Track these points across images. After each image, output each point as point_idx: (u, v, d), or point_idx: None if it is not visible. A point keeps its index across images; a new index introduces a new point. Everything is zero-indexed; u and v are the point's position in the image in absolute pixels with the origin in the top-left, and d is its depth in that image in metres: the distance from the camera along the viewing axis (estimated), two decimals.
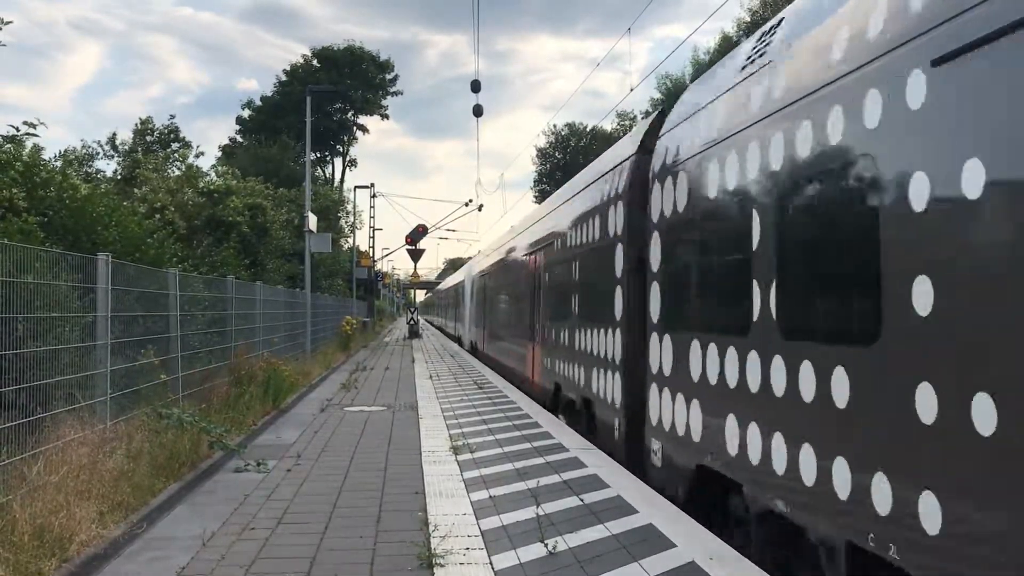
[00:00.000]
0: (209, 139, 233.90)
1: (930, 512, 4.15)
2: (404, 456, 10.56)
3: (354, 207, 58.35)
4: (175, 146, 33.46)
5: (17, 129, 13.23)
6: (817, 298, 5.53)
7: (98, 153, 30.67)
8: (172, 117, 53.90)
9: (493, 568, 6.01)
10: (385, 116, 77.27)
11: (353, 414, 14.80)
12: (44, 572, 5.68)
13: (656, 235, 8.61)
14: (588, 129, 77.77)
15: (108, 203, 13.73)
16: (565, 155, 78.61)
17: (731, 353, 6.62)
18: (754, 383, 6.18)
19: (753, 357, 6.23)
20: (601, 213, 10.84)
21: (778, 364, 5.84)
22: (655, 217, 8.68)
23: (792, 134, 5.77)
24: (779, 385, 5.79)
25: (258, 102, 72.09)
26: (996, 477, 3.76)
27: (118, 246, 11.91)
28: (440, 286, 79.54)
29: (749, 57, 6.97)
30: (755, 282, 6.23)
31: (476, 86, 29.30)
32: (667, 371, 8.15)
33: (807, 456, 5.33)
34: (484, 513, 7.55)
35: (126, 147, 32.39)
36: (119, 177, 29.29)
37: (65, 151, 24.64)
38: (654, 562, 6.03)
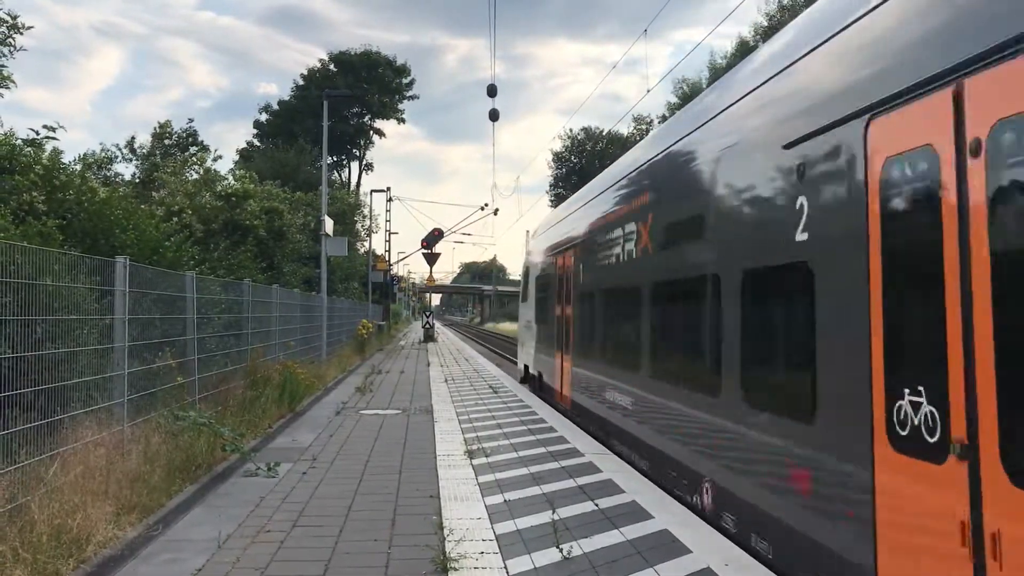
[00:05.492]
0: (227, 143, 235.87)
1: None
2: (419, 460, 10.56)
3: (370, 211, 58.59)
4: (193, 150, 33.59)
5: (37, 133, 13.39)
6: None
7: (117, 156, 30.90)
8: (191, 121, 54.40)
9: (508, 572, 5.99)
10: (401, 120, 77.68)
11: (368, 417, 14.82)
12: (62, 573, 5.71)
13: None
14: (604, 133, 77.74)
15: (126, 206, 13.84)
16: (581, 159, 78.60)
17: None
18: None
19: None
20: None
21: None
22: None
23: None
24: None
25: (275, 106, 72.57)
26: None
27: (136, 249, 11.99)
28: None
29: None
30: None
31: (492, 90, 29.37)
32: None
33: None
34: (499, 517, 7.53)
35: (144, 151, 32.60)
36: (137, 180, 29.48)
37: (84, 154, 24.78)
38: (669, 568, 5.99)
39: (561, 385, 15.12)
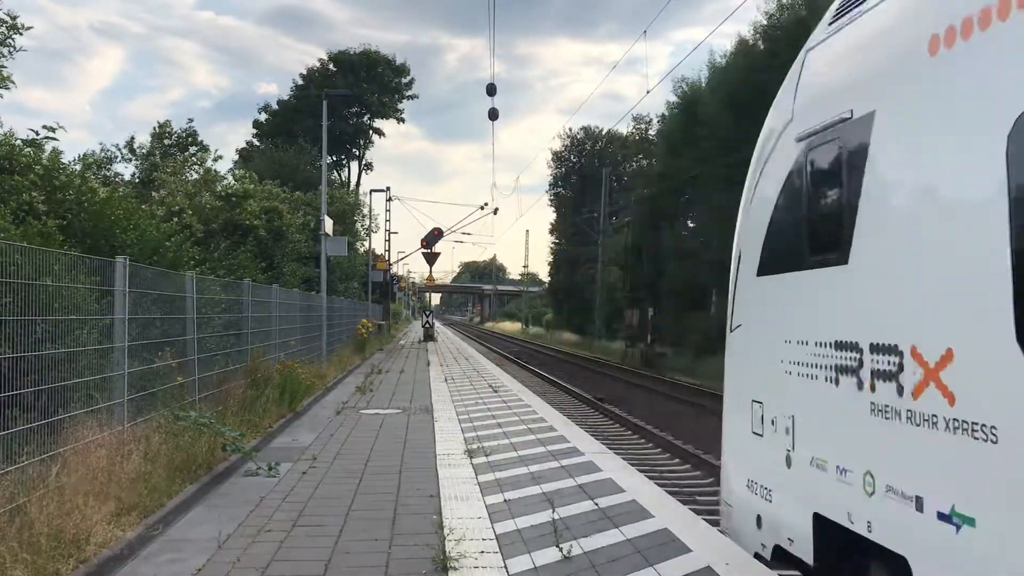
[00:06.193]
0: (228, 143, 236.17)
1: None
2: (419, 459, 10.57)
3: (370, 211, 58.51)
4: (193, 150, 33.56)
5: (37, 133, 13.39)
6: None
7: (116, 156, 30.90)
8: (190, 121, 54.35)
9: (508, 572, 5.99)
10: (401, 120, 77.57)
11: (368, 417, 14.82)
12: (62, 573, 5.71)
13: None
14: (603, 132, 77.71)
15: (126, 206, 13.81)
16: (580, 159, 78.52)
17: None
18: None
19: None
20: None
21: None
22: None
23: None
24: None
25: (275, 106, 72.52)
26: None
27: (136, 249, 11.98)
28: None
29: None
30: None
31: (491, 89, 29.42)
32: None
33: None
34: (499, 517, 7.54)
35: (144, 151, 32.59)
36: (137, 180, 29.48)
37: (84, 154, 24.82)
38: (669, 567, 6.00)
39: None
